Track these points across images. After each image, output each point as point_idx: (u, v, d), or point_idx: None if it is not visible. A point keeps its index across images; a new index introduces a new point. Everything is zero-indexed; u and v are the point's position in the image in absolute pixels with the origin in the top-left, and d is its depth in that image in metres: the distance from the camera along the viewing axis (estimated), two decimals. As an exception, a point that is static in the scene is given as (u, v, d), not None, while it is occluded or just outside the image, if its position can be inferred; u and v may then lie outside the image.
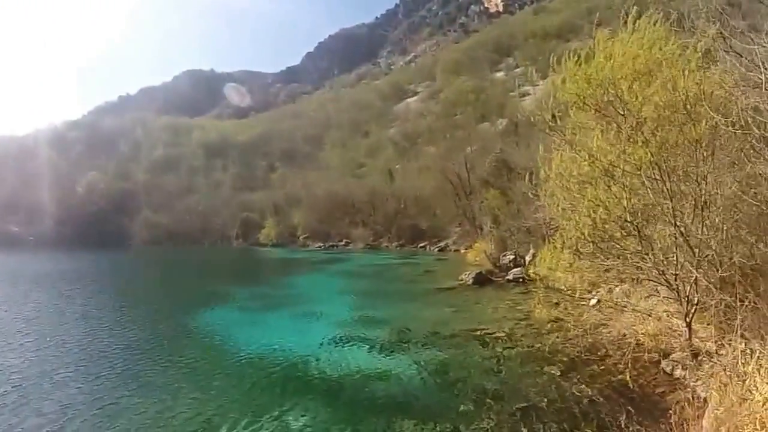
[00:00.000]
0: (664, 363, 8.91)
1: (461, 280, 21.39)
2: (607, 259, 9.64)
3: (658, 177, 8.37)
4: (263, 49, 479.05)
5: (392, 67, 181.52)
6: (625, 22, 9.64)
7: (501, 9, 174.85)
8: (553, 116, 10.17)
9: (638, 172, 8.52)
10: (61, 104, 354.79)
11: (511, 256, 23.51)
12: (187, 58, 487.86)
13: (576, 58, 9.82)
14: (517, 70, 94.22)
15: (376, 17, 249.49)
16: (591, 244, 9.44)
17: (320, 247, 53.00)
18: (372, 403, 8.78)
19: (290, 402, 8.92)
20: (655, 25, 9.32)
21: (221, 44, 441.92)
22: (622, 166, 8.64)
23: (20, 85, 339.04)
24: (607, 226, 9.04)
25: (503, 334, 12.53)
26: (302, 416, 8.30)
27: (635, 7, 9.57)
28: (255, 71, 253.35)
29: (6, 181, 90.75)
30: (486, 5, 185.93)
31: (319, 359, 11.55)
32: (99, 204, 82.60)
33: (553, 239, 11.74)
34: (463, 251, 34.91)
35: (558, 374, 9.23)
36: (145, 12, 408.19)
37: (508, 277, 20.85)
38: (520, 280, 20.22)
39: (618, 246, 9.20)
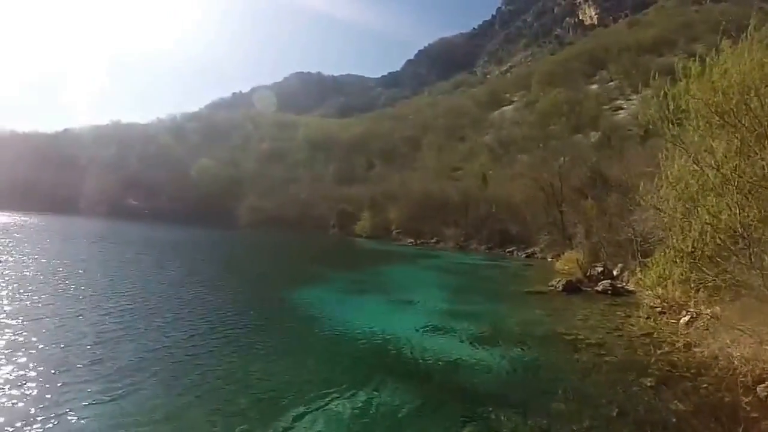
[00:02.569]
0: (759, 388, 8.52)
1: (551, 286, 21.15)
2: (716, 271, 9.39)
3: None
4: (367, 56, 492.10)
5: (488, 76, 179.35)
6: (746, 31, 9.37)
7: (595, 21, 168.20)
8: (671, 124, 10.06)
9: (762, 183, 8.31)
10: (182, 98, 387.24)
11: (600, 268, 23.05)
12: (297, 62, 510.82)
13: (700, 65, 9.68)
14: (611, 83, 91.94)
15: (474, 28, 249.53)
16: (705, 256, 9.26)
17: (412, 242, 53.90)
18: (460, 391, 8.92)
19: (378, 380, 9.16)
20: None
21: (329, 50, 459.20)
22: (744, 176, 8.45)
23: (147, 81, 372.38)
24: (719, 237, 8.86)
25: (594, 342, 12.36)
26: (388, 395, 8.51)
27: (756, 16, 9.30)
28: (358, 75, 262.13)
29: (129, 162, 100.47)
30: (581, 17, 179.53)
31: (409, 344, 11.82)
32: (209, 187, 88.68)
33: (664, 250, 11.43)
34: (550, 259, 34.35)
35: (650, 387, 9.08)
36: (260, 20, 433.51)
37: (597, 288, 20.37)
38: (609, 291, 19.70)
39: (722, 260, 8.98)
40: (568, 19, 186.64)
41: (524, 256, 40.51)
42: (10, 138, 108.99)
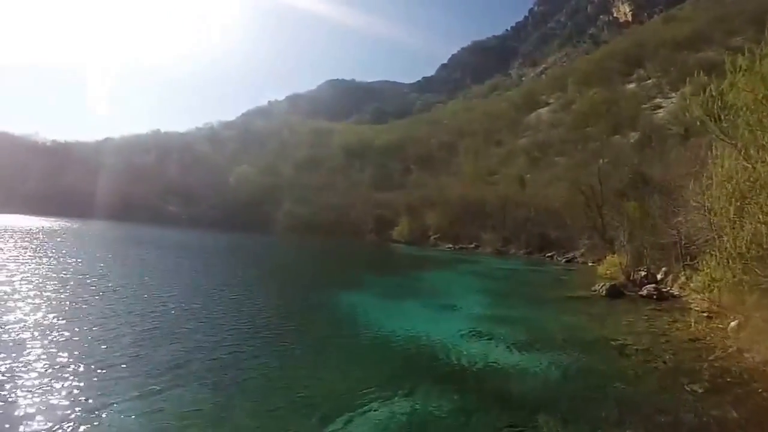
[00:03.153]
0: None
1: (594, 290, 20.82)
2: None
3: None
4: (400, 62, 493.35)
5: (523, 78, 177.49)
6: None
7: (630, 19, 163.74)
8: (718, 120, 9.78)
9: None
10: (219, 107, 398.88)
11: (644, 272, 22.62)
12: (330, 69, 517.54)
13: (748, 58, 9.40)
14: (649, 81, 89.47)
15: (506, 30, 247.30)
16: (758, 257, 8.96)
17: (450, 247, 54.19)
18: (502, 397, 8.68)
19: (418, 384, 9.01)
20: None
21: (362, 57, 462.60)
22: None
23: (182, 91, 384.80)
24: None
25: (641, 347, 12.05)
26: (429, 400, 8.33)
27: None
28: (393, 81, 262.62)
29: (168, 169, 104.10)
30: (615, 15, 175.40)
31: (450, 348, 11.62)
32: (247, 194, 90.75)
33: (714, 251, 11.03)
34: (591, 264, 33.85)
35: (699, 393, 8.77)
36: (290, 29, 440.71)
37: (641, 293, 19.93)
38: (654, 296, 19.22)
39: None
40: (602, 17, 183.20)
41: (564, 260, 40.06)
42: (52, 147, 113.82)
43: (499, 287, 24.56)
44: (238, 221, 79.31)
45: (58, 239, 38.17)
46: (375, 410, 7.76)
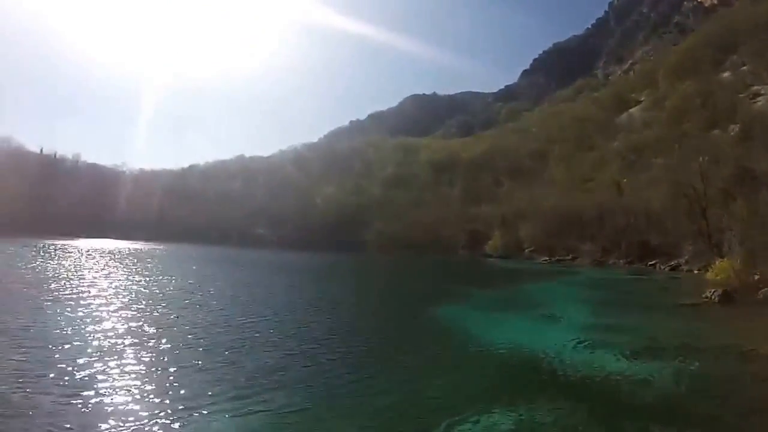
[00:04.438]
0: None
1: (705, 297, 20.12)
2: None
3: None
4: (480, 71, 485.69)
5: (610, 77, 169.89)
6: None
7: (716, 1, 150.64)
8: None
9: None
10: (301, 130, 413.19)
11: (757, 276, 21.52)
12: (411, 85, 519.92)
13: None
14: (744, 68, 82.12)
15: (587, 28, 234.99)
16: None
17: (546, 260, 53.52)
18: (619, 406, 8.41)
19: (529, 395, 8.76)
20: None
21: (441, 70, 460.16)
22: None
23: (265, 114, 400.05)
24: None
25: (764, 354, 11.55)
26: (542, 410, 7.99)
27: None
28: (475, 92, 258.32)
29: (255, 193, 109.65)
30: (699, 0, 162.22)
31: (559, 358, 11.42)
32: (335, 214, 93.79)
33: None
34: (696, 271, 32.38)
35: None
36: (367, 51, 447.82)
37: (757, 297, 19.17)
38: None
39: None
40: (686, 2, 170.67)
41: (668, 268, 38.55)
42: (140, 176, 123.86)
43: (602, 297, 24.28)
44: (327, 242, 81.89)
45: (149, 261, 41.14)
46: (479, 420, 7.51)
